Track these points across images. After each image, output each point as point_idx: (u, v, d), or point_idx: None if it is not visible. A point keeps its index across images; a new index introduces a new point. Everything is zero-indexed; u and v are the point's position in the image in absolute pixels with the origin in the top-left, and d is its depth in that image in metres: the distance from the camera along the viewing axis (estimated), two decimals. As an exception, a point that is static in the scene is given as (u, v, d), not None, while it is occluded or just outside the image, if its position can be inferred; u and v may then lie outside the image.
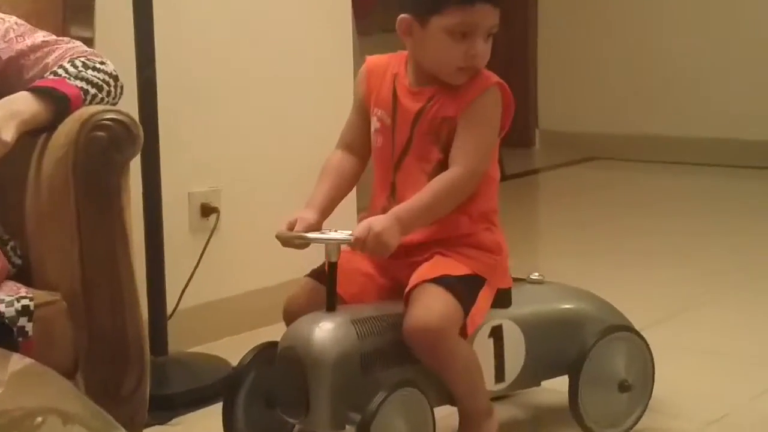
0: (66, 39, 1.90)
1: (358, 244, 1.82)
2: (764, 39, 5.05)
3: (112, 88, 1.85)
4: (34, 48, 1.85)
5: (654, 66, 5.37)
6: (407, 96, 1.97)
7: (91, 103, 1.79)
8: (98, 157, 1.67)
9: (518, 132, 5.76)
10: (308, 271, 2.02)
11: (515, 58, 5.59)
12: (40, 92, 1.74)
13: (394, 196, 1.96)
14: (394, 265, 1.95)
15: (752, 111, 5.09)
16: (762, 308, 2.95)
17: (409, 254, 1.92)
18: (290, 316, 1.95)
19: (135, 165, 1.88)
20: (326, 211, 1.98)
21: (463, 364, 1.91)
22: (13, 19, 1.90)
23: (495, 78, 1.96)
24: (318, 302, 1.92)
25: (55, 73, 1.78)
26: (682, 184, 4.88)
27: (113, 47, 2.09)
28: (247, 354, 1.98)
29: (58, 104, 1.73)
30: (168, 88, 2.37)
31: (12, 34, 1.87)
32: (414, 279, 1.88)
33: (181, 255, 2.59)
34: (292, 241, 1.91)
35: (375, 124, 2.00)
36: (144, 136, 1.76)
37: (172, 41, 2.46)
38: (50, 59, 1.84)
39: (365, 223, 1.83)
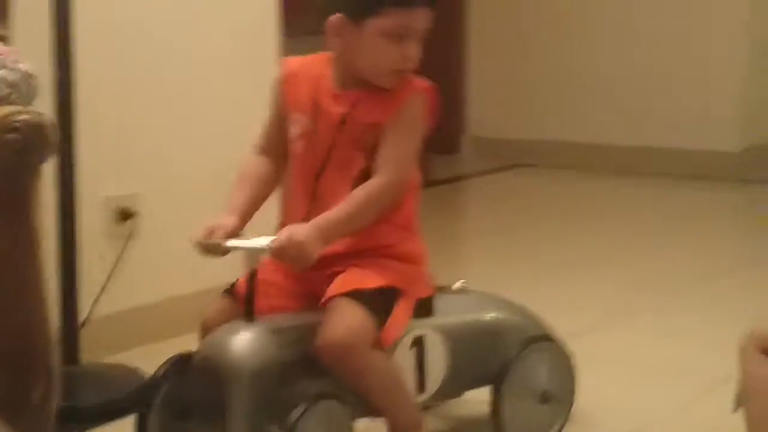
0: None
1: (278, 252, 1.81)
2: (681, 49, 5.16)
3: (28, 87, 1.81)
4: None
5: (578, 76, 5.44)
6: (330, 100, 1.94)
7: (4, 102, 1.74)
8: (9, 160, 1.64)
9: (445, 138, 5.82)
10: (226, 283, 2.01)
11: (444, 64, 5.59)
12: None
13: (314, 204, 1.94)
14: (312, 277, 1.92)
15: (671, 120, 5.19)
16: (685, 318, 2.99)
17: (327, 265, 1.90)
18: (206, 335, 1.94)
19: (48, 167, 1.85)
20: (246, 216, 1.96)
21: (379, 378, 1.89)
22: None
23: (424, 83, 1.96)
24: (223, 317, 1.93)
25: None
26: (605, 192, 4.94)
27: (29, 45, 2.06)
28: (161, 365, 1.95)
29: None
30: (86, 87, 2.34)
31: None
32: (328, 293, 1.87)
33: (95, 261, 2.57)
34: (211, 249, 1.89)
35: (295, 129, 1.97)
36: (59, 137, 1.75)
37: (90, 39, 2.43)
38: None
39: (286, 231, 1.82)
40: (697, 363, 2.59)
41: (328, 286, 1.89)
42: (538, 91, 5.57)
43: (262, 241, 1.84)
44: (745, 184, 4.95)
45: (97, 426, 2.24)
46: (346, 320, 1.83)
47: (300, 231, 1.81)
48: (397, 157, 1.91)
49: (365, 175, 1.91)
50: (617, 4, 5.32)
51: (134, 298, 2.72)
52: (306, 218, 1.89)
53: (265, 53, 3.03)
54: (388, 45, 1.86)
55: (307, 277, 1.94)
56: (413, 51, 1.89)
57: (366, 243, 1.93)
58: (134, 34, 2.71)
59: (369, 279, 1.89)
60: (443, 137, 5.52)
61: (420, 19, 1.89)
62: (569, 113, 5.48)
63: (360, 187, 1.89)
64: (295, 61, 2.03)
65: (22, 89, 1.79)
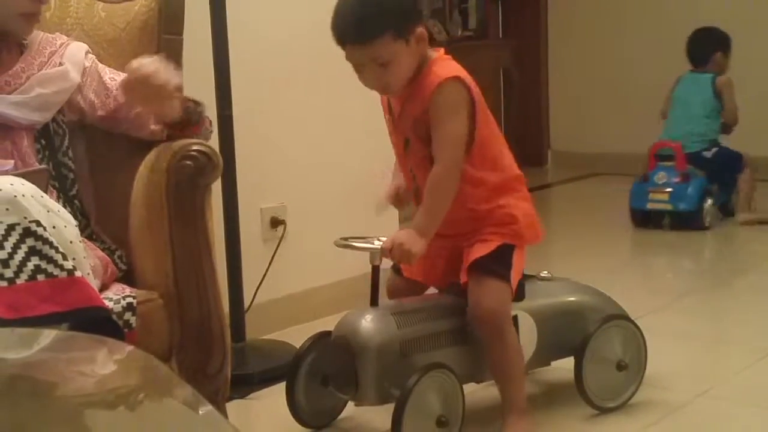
0: None
1: (386, 253, 1.80)
2: (746, 64, 4.92)
3: (210, 126, 1.90)
4: None
5: (641, 97, 5.20)
6: (394, 99, 1.89)
7: (203, 134, 1.82)
8: (186, 182, 1.67)
9: (533, 152, 5.77)
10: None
11: (530, 90, 5.52)
12: (191, 100, 1.79)
13: (414, 179, 1.91)
14: (442, 247, 1.91)
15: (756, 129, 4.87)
16: (741, 299, 2.92)
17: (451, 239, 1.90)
18: (391, 294, 1.98)
19: (216, 186, 1.87)
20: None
21: (511, 344, 1.86)
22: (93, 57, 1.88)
23: (447, 73, 1.80)
24: (399, 286, 1.98)
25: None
26: None
27: (199, 91, 2.07)
28: (305, 341, 1.96)
29: (193, 113, 1.77)
30: (242, 122, 2.36)
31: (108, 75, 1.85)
32: (462, 275, 1.85)
33: (255, 259, 2.58)
34: (345, 244, 1.88)
35: (388, 128, 1.95)
36: (223, 163, 1.75)
37: (244, 84, 2.44)
38: None
39: (391, 236, 1.80)
40: (746, 336, 2.54)
41: (454, 253, 1.88)
42: (606, 112, 5.44)
43: (375, 243, 1.83)
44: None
45: (261, 389, 2.26)
46: (494, 291, 1.82)
47: (401, 235, 1.78)
48: (443, 144, 1.79)
49: (431, 160, 1.82)
50: (680, 35, 5.16)
51: (285, 288, 2.72)
52: (415, 193, 1.90)
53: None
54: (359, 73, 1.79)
55: (445, 248, 1.91)
56: (364, 78, 1.78)
57: (476, 212, 1.87)
58: (277, 77, 2.69)
59: (482, 247, 1.85)
60: (532, 152, 5.45)
61: (353, 55, 1.77)
62: (633, 128, 5.25)
63: (428, 180, 1.81)
64: None
65: (210, 129, 1.89)
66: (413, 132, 1.85)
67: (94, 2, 2.00)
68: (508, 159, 1.93)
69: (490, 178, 1.88)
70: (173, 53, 1.97)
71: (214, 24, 2.29)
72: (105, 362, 1.12)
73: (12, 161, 1.70)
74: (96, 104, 1.84)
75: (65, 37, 1.88)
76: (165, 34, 1.97)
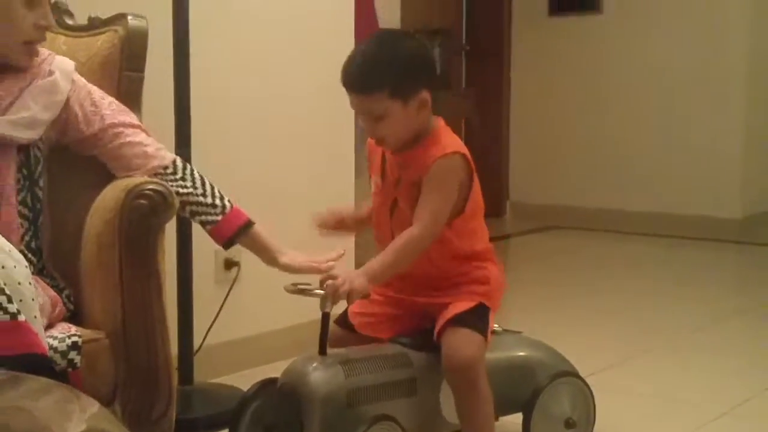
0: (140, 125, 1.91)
1: (331, 299, 1.77)
2: (687, 131, 5.11)
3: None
4: (125, 124, 1.85)
5: (600, 154, 5.40)
6: (391, 164, 1.91)
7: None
8: (139, 221, 1.66)
9: (492, 202, 5.79)
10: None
11: (490, 142, 5.61)
12: None
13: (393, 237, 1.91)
14: (408, 305, 1.95)
15: (689, 188, 5.12)
16: (694, 357, 2.95)
17: (421, 294, 1.93)
18: (333, 344, 1.95)
19: (170, 225, 1.86)
20: (360, 222, 2.04)
21: (485, 395, 1.86)
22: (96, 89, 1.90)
23: (452, 148, 1.85)
24: (343, 340, 1.96)
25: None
26: (629, 251, 4.88)
27: (155, 126, 2.06)
28: (251, 387, 1.93)
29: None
30: (198, 162, 2.31)
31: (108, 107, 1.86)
32: (438, 325, 1.86)
33: (207, 301, 2.56)
34: (295, 289, 1.86)
35: (374, 188, 1.97)
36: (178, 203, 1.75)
37: (203, 120, 2.43)
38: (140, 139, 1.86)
39: (333, 282, 1.77)
40: (703, 395, 2.55)
41: (421, 313, 1.91)
42: (566, 166, 5.54)
43: (318, 291, 1.80)
44: (744, 246, 4.89)
45: None
46: (470, 341, 1.83)
47: (351, 276, 1.76)
48: (428, 212, 1.82)
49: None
50: (633, 93, 5.29)
51: (237, 331, 2.70)
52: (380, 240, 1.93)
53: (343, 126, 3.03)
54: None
55: (404, 306, 1.95)
56: (366, 127, 1.83)
57: (452, 274, 1.92)
58: (237, 117, 2.70)
59: (462, 304, 1.87)
60: (490, 201, 5.54)
61: (354, 102, 1.82)
62: (593, 183, 5.44)
63: (399, 236, 1.83)
64: None
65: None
66: (408, 197, 1.87)
67: (57, 35, 2.00)
68: (484, 232, 1.99)
69: (464, 246, 1.92)
70: (133, 91, 1.97)
71: (176, 62, 2.30)
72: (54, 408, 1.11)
73: None
74: (80, 119, 1.83)
75: (45, 50, 1.86)
76: (126, 70, 1.97)
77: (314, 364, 1.84)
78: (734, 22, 4.99)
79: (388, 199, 1.92)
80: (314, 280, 1.84)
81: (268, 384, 1.93)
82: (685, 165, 5.14)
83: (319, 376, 1.83)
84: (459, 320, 1.85)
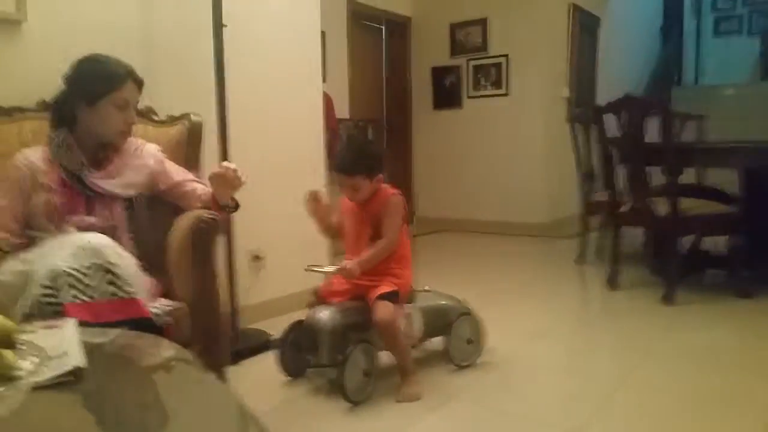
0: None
1: (340, 272, 1.85)
2: (501, 165, 4.99)
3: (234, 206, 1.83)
4: (186, 180, 1.83)
5: (469, 183, 5.32)
6: (359, 208, 1.98)
7: (226, 212, 1.77)
8: (202, 235, 1.67)
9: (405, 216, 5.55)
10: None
11: (401, 176, 5.62)
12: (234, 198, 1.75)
13: (358, 251, 1.97)
14: (359, 286, 1.97)
15: (516, 205, 5.04)
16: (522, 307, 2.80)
17: (367, 280, 1.95)
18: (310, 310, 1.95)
19: (220, 237, 1.83)
20: (328, 220, 1.99)
21: (398, 338, 1.92)
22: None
23: (395, 192, 1.95)
24: (317, 305, 1.95)
25: None
26: (478, 243, 4.68)
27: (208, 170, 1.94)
28: (288, 326, 1.99)
29: (228, 205, 1.76)
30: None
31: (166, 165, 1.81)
32: (372, 296, 1.90)
33: (244, 280, 2.57)
34: (309, 269, 1.93)
35: (347, 220, 2.01)
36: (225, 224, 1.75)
37: (238, 154, 2.39)
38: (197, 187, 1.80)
39: (344, 264, 1.85)
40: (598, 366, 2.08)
41: (367, 291, 1.92)
42: (450, 192, 5.50)
43: (332, 268, 1.88)
44: (551, 239, 4.75)
45: (246, 359, 2.24)
46: (386, 308, 1.87)
47: (351, 264, 1.84)
48: (391, 229, 1.93)
49: (374, 238, 1.95)
50: (488, 137, 5.21)
51: (262, 296, 2.70)
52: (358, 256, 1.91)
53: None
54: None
55: (356, 285, 1.97)
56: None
57: (383, 270, 1.96)
58: (267, 166, 2.65)
59: (387, 287, 1.92)
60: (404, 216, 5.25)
61: (340, 182, 1.85)
62: (466, 202, 5.40)
63: (376, 243, 1.92)
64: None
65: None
66: (371, 225, 1.93)
67: (147, 126, 2.00)
68: (407, 245, 2.03)
69: (397, 251, 1.97)
70: (193, 159, 1.98)
71: (220, 137, 2.29)
72: (155, 346, 1.15)
73: (93, 218, 1.69)
74: (160, 181, 1.83)
75: (140, 140, 1.85)
76: (188, 146, 1.99)
77: (324, 311, 1.89)
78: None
79: (366, 228, 1.97)
80: (322, 262, 1.84)
81: (297, 324, 1.98)
82: (513, 191, 5.08)
83: (326, 316, 1.87)
84: (382, 296, 1.89)
